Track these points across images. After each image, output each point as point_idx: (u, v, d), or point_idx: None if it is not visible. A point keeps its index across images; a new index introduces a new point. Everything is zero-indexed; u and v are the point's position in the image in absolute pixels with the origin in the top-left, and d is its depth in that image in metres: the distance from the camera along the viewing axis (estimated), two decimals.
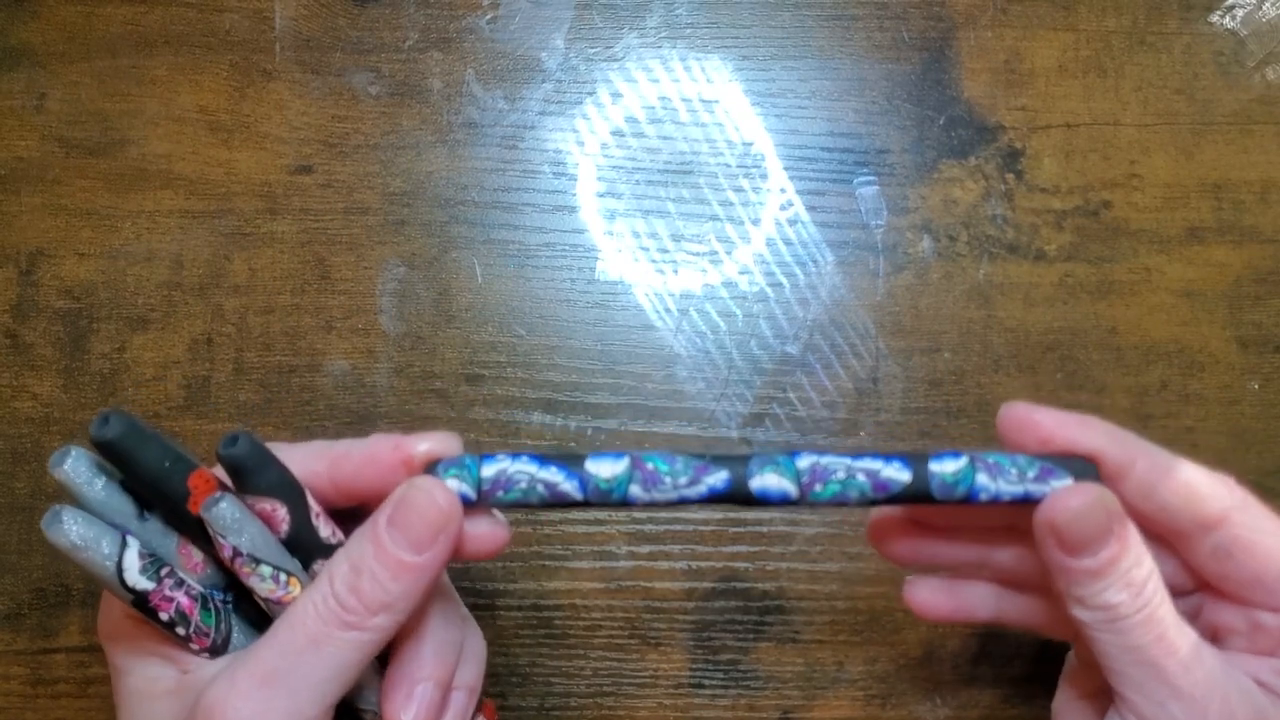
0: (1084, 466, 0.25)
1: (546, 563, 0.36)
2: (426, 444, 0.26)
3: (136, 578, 0.24)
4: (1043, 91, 0.38)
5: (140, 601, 0.25)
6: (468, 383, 0.37)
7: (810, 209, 0.38)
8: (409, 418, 0.36)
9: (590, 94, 0.38)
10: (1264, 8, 0.39)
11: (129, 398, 0.37)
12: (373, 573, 0.24)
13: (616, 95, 0.38)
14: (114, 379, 0.37)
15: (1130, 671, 0.24)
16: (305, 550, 0.26)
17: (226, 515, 0.24)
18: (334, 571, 0.24)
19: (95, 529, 0.24)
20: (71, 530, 0.24)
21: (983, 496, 0.25)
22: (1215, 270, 0.37)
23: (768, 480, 0.25)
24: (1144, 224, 0.37)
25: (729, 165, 0.38)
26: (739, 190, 0.38)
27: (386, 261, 0.37)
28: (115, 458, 0.25)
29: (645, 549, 0.35)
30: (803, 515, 0.36)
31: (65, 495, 0.25)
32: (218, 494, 0.24)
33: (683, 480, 0.25)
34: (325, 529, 0.26)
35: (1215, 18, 0.39)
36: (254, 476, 0.25)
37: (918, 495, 0.25)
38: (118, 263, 0.37)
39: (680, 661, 0.35)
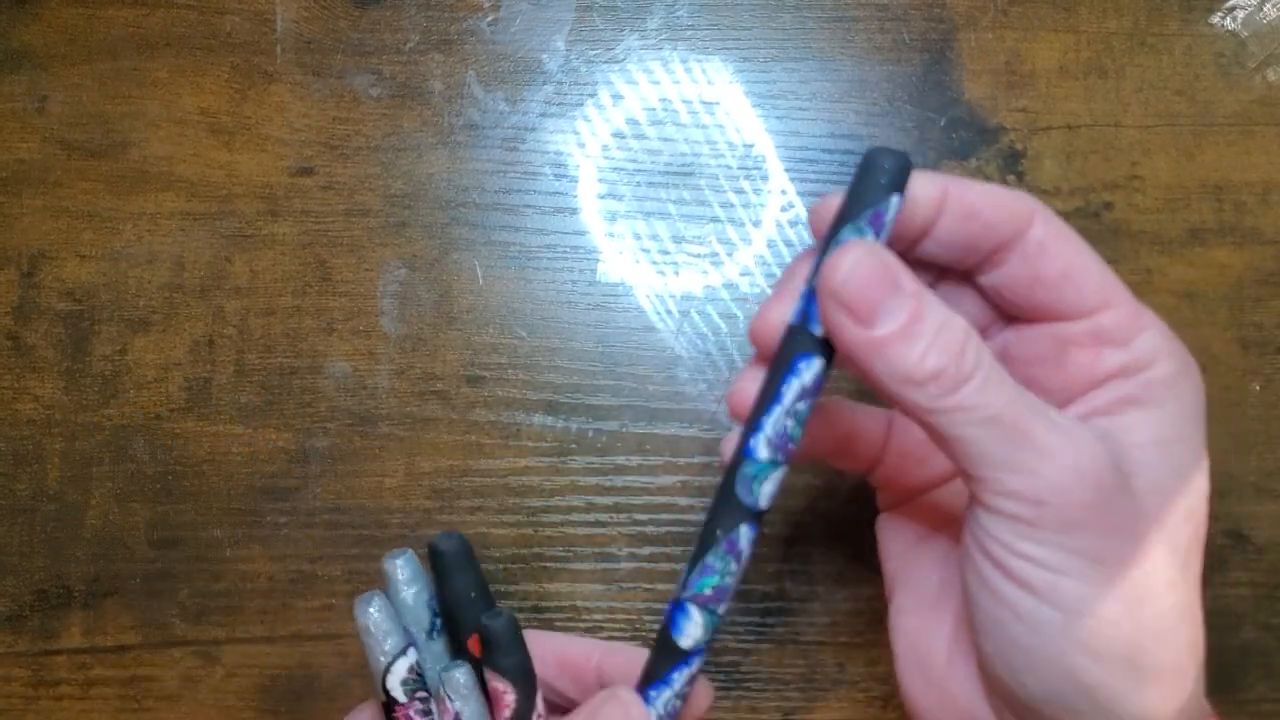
0: (891, 163, 0.23)
1: (548, 564, 0.36)
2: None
3: (396, 686, 0.27)
4: (1043, 93, 0.38)
5: (388, 707, 0.27)
6: (469, 384, 0.37)
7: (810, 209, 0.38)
8: (410, 419, 0.36)
9: (591, 96, 0.39)
10: (1264, 9, 0.39)
11: (130, 399, 0.37)
12: None
13: (617, 97, 0.38)
14: (115, 381, 0.37)
15: (985, 448, 0.22)
16: None
17: (460, 682, 0.27)
18: None
19: (392, 625, 0.27)
20: (375, 616, 0.27)
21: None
22: (1216, 272, 0.37)
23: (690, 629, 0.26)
24: (1145, 225, 0.37)
25: (730, 167, 0.38)
26: (740, 192, 0.38)
27: (387, 263, 0.37)
28: (439, 567, 0.28)
29: (646, 550, 0.35)
30: (804, 518, 0.36)
31: (382, 583, 0.28)
32: (459, 663, 0.27)
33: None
34: None
35: (1216, 19, 0.39)
36: (503, 655, 0.27)
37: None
38: (119, 264, 0.38)
39: None
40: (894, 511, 0.30)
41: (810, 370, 0.24)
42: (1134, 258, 0.37)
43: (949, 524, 0.28)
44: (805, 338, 0.24)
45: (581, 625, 0.35)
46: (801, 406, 0.24)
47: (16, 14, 0.39)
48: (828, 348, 0.24)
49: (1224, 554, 0.35)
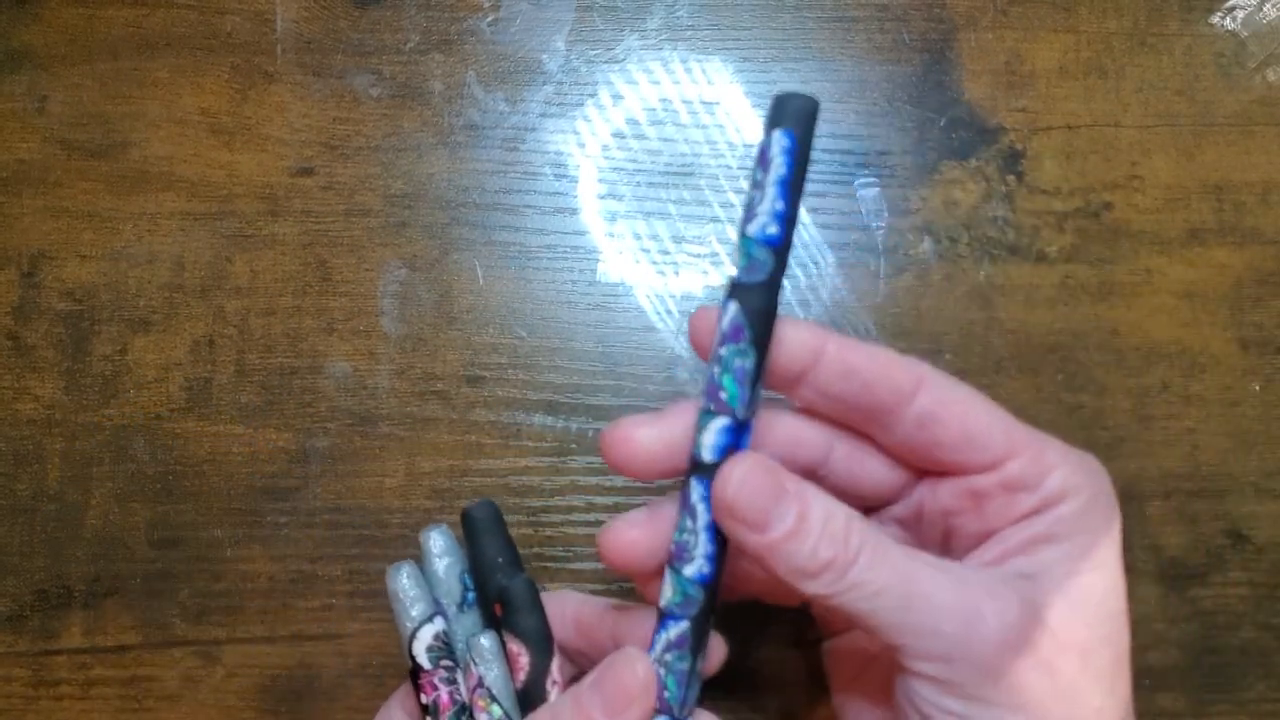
0: (793, 105, 0.24)
1: (548, 564, 0.36)
2: None
3: (422, 652, 0.28)
4: (1043, 93, 0.38)
5: (413, 673, 0.28)
6: (469, 384, 0.37)
7: (811, 210, 0.38)
8: (410, 419, 0.36)
9: (591, 96, 0.39)
10: (1264, 9, 0.39)
11: (130, 399, 0.37)
12: None
13: (617, 97, 0.38)
14: (115, 381, 0.37)
15: (886, 618, 0.23)
16: (529, 705, 0.27)
17: (486, 647, 0.27)
18: None
19: (420, 592, 0.28)
20: (405, 583, 0.28)
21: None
22: (1216, 272, 0.37)
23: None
24: (1145, 225, 0.37)
25: (730, 167, 0.38)
26: (740, 192, 0.38)
27: (388, 263, 0.37)
28: (469, 532, 0.29)
29: None
30: None
31: (416, 555, 0.29)
32: (487, 630, 0.28)
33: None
34: (554, 694, 0.27)
35: (1216, 19, 0.39)
36: (520, 617, 0.27)
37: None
38: (119, 264, 0.38)
39: None
40: (835, 640, 0.31)
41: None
42: (1134, 258, 0.37)
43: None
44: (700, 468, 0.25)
45: None
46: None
47: (16, 14, 0.39)
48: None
49: (1224, 554, 0.35)
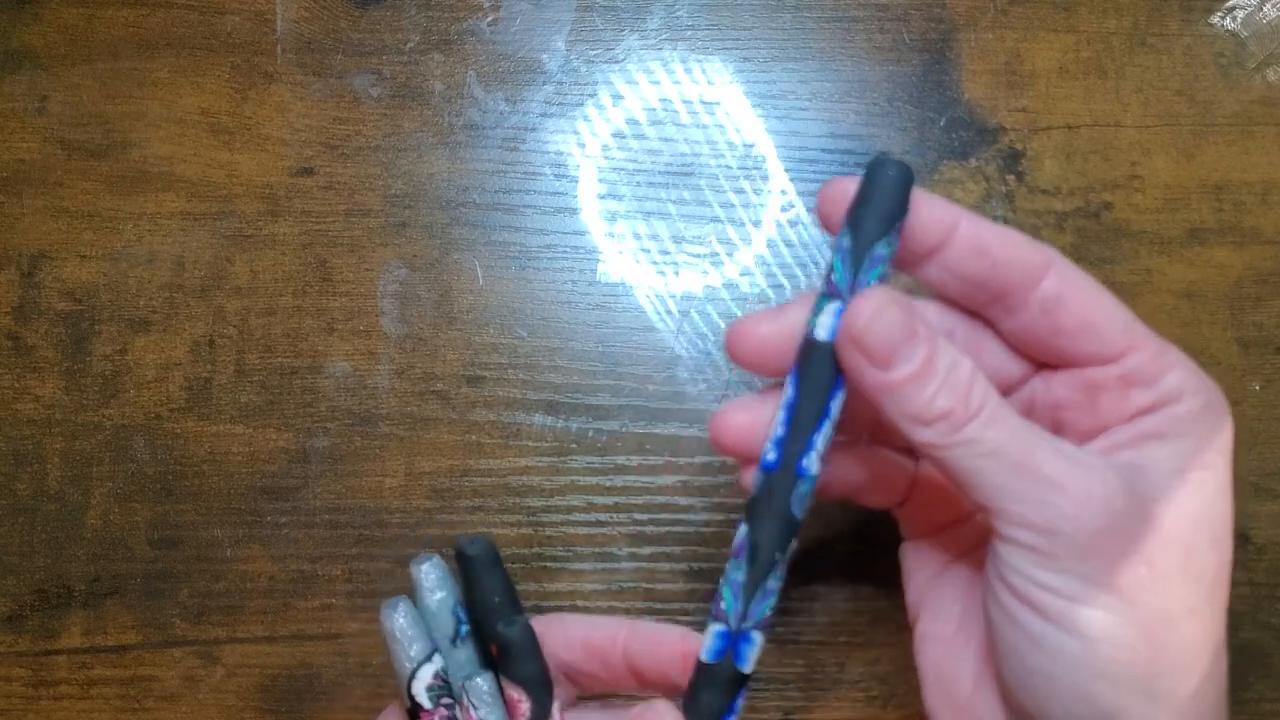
0: (888, 173, 0.24)
1: (548, 564, 0.36)
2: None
3: (422, 691, 0.27)
4: (1043, 93, 0.38)
5: (413, 713, 0.27)
6: (469, 384, 0.37)
7: (811, 210, 0.38)
8: (410, 419, 0.36)
9: (591, 96, 0.39)
10: (1264, 9, 0.39)
11: (130, 399, 0.37)
12: None
13: (617, 97, 0.38)
14: (115, 381, 0.37)
15: (994, 479, 0.23)
16: None
17: (484, 690, 0.27)
18: None
19: (418, 631, 0.28)
20: (401, 621, 0.27)
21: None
22: (1216, 272, 0.37)
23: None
24: (1145, 225, 0.37)
25: (730, 167, 0.38)
26: (740, 192, 0.38)
27: (388, 263, 0.37)
28: (465, 571, 0.28)
29: (647, 550, 0.35)
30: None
31: (407, 589, 0.28)
32: (482, 670, 0.27)
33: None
34: None
35: (1216, 19, 0.39)
36: (518, 664, 0.27)
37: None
38: (119, 265, 0.38)
39: None
40: (918, 541, 0.30)
41: (844, 387, 0.25)
42: (1134, 258, 0.37)
43: (972, 552, 0.29)
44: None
45: None
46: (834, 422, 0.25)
47: (16, 14, 0.39)
48: None
49: None
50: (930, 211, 0.25)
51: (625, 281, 0.37)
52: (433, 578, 0.28)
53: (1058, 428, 0.26)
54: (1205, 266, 0.37)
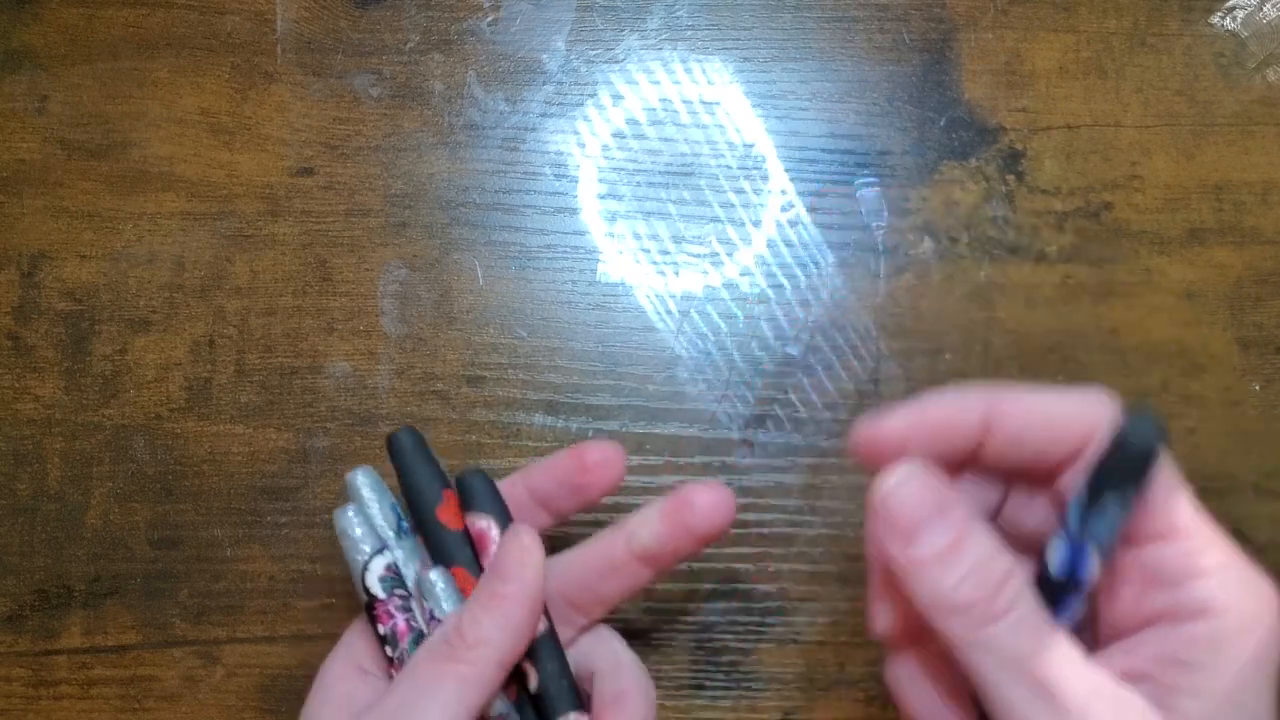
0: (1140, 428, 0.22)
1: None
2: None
3: (375, 583, 0.29)
4: (1043, 93, 0.38)
5: (369, 605, 0.29)
6: (469, 384, 0.37)
7: (811, 210, 0.38)
8: (410, 419, 0.36)
9: (591, 96, 0.39)
10: (1264, 9, 0.39)
11: (130, 399, 0.37)
12: (470, 608, 0.27)
13: (617, 97, 0.38)
14: (115, 381, 0.37)
15: (1014, 696, 0.21)
16: None
17: (436, 584, 0.28)
18: (447, 619, 0.28)
19: (366, 530, 0.29)
20: (351, 518, 0.29)
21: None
22: (1216, 271, 0.37)
23: None
24: (1145, 225, 0.37)
25: (730, 167, 0.38)
26: (740, 192, 0.38)
27: (388, 263, 0.37)
28: (399, 459, 0.29)
29: None
30: (804, 517, 0.36)
31: (348, 498, 0.30)
32: (436, 568, 0.28)
33: None
34: None
35: (1216, 19, 0.39)
36: (477, 497, 0.29)
37: None
38: (119, 265, 0.38)
39: (681, 663, 0.35)
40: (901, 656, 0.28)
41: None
42: (1134, 258, 0.37)
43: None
44: None
45: None
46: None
47: (16, 14, 0.39)
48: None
49: None
50: (959, 413, 0.24)
51: (625, 281, 0.37)
52: (368, 484, 0.29)
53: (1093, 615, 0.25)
54: (1205, 266, 0.37)
